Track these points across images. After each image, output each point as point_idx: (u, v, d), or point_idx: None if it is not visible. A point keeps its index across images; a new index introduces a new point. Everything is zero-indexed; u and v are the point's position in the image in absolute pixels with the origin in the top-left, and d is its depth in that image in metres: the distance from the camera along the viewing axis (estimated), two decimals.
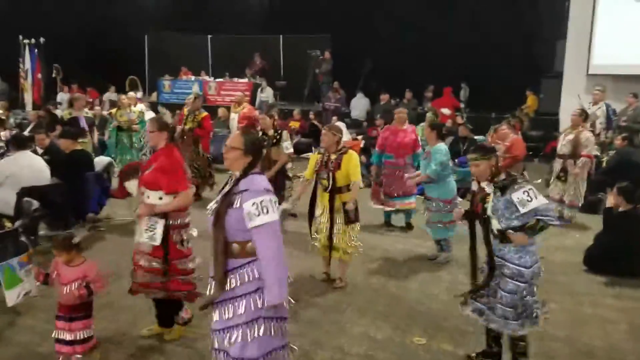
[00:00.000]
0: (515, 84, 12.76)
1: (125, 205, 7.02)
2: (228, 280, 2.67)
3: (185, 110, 7.78)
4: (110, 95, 15.34)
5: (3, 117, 9.95)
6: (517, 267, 3.41)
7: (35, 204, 5.07)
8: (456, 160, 8.99)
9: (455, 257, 5.73)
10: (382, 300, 4.81)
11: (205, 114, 7.85)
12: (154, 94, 16.29)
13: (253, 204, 2.57)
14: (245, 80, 15.58)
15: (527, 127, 11.78)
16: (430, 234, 5.85)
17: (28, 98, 16.14)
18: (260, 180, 2.70)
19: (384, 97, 12.62)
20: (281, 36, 17.22)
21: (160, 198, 3.60)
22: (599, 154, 8.47)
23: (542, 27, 13.90)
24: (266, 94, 14.73)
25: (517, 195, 3.35)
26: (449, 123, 11.42)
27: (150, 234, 3.57)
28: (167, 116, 4.03)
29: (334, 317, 4.43)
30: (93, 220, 6.04)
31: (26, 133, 7.74)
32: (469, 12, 13.98)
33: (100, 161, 6.58)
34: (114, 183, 6.66)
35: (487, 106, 12.63)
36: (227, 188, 2.75)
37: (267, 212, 2.58)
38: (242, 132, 2.88)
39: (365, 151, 9.75)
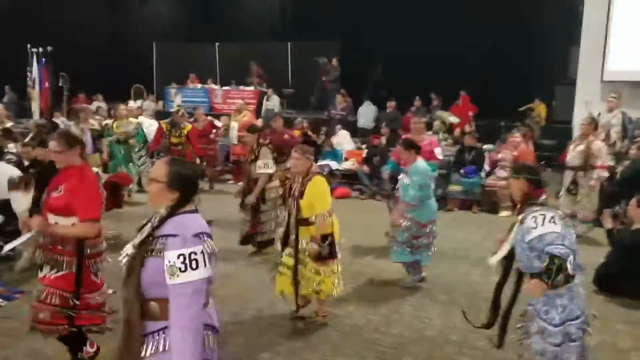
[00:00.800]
0: (527, 91, 12.36)
1: (115, 218, 6.79)
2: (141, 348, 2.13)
3: (164, 124, 7.42)
4: (98, 104, 15.09)
5: (11, 129, 9.54)
6: (543, 323, 2.81)
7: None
8: (462, 171, 8.64)
9: (452, 280, 5.37)
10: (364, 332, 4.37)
11: (189, 127, 7.56)
12: (161, 103, 16.15)
13: (179, 255, 2.04)
14: (252, 88, 15.40)
15: (539, 136, 11.37)
16: (392, 256, 5.28)
17: (36, 107, 16.11)
18: (193, 223, 2.15)
19: (390, 105, 12.30)
20: (289, 43, 17.05)
21: (73, 224, 3.19)
22: (613, 164, 8.04)
23: (555, 32, 13.45)
24: (273, 102, 14.54)
25: (527, 223, 2.80)
26: (457, 132, 11.06)
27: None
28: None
29: (307, 356, 3.96)
30: None
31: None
32: (479, 18, 13.61)
33: None
34: None
35: (497, 114, 12.22)
36: (146, 229, 2.22)
37: (196, 267, 2.06)
38: (169, 161, 2.30)
39: (367, 161, 9.43)
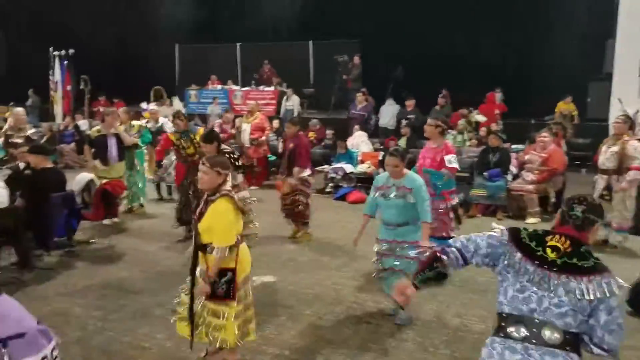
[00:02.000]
0: (558, 87, 11.63)
1: (110, 230, 6.53)
2: None
3: (171, 135, 6.40)
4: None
5: (32, 136, 8.40)
6: None
7: None
8: (485, 174, 8.05)
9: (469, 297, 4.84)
10: None
11: (201, 130, 6.65)
12: (181, 104, 15.94)
13: None
14: (272, 88, 15.09)
15: (571, 135, 10.67)
16: (384, 288, 4.43)
17: (58, 110, 16.16)
18: None
19: (410, 104, 11.75)
20: (311, 42, 16.67)
21: None
22: None
23: (589, 25, 12.66)
24: (292, 103, 14.19)
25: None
26: (482, 131, 10.46)
27: None
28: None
29: None
30: (64, 246, 5.51)
31: None
32: (507, 12, 12.92)
33: (81, 178, 6.07)
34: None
35: (527, 112, 11.53)
36: None
37: None
38: None
39: (382, 164, 8.89)
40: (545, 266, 2.20)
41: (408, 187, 4.25)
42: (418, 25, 13.61)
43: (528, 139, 9.12)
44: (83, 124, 12.54)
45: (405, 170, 4.33)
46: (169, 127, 9.20)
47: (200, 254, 3.37)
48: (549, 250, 2.25)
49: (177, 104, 6.59)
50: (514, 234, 2.38)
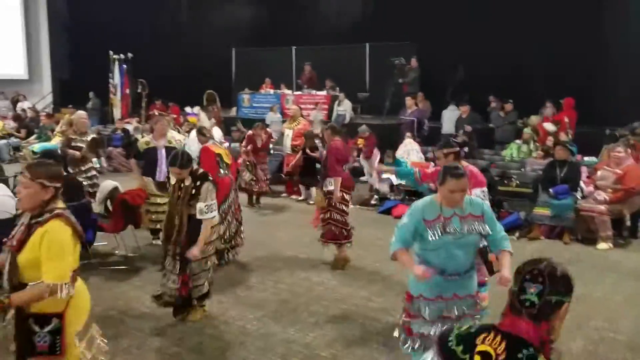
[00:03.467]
0: (636, 92, 10.37)
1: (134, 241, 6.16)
2: None
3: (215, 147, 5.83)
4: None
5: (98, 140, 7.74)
6: None
7: None
8: (551, 191, 7.10)
9: None
10: None
11: (202, 146, 6.04)
12: (234, 109, 15.79)
13: None
14: (324, 92, 14.58)
15: None
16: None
17: (117, 113, 16.42)
18: None
19: (464, 110, 10.85)
20: (367, 44, 16.05)
21: None
22: None
23: None
24: (344, 107, 13.63)
25: None
26: (549, 141, 9.42)
27: None
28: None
29: None
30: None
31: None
32: (575, 12, 11.69)
33: (105, 187, 5.76)
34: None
35: (602, 120, 10.34)
36: None
37: None
38: None
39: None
40: None
41: (477, 214, 3.02)
42: (480, 26, 12.66)
43: (604, 151, 8.07)
44: (133, 128, 12.52)
45: None
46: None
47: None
48: (477, 359, 1.60)
49: (203, 119, 6.04)
50: (442, 337, 1.76)
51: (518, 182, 7.72)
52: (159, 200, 5.91)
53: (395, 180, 8.46)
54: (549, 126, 10.27)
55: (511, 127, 11.27)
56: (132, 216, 5.46)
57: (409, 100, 11.74)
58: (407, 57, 13.82)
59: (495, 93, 11.79)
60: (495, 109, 11.59)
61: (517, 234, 7.12)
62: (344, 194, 5.65)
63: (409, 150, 9.45)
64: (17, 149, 12.51)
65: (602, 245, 6.61)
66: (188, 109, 12.02)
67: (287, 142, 9.00)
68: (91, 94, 17.05)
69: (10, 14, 17.96)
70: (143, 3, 17.47)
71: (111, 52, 16.01)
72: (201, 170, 4.36)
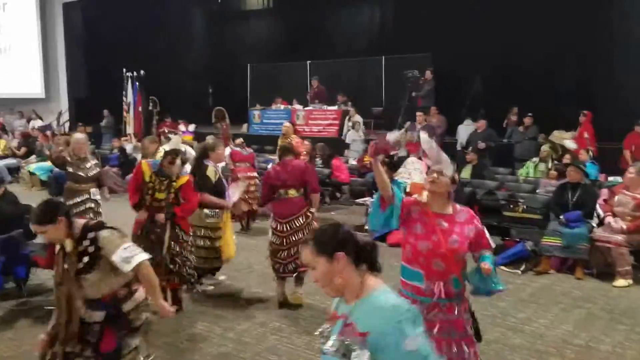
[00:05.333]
0: None
1: None
2: None
3: (146, 166, 4.89)
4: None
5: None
6: None
7: None
8: (562, 217, 6.27)
9: None
10: None
11: (186, 178, 4.90)
12: (245, 126, 15.37)
13: None
14: (335, 107, 14.00)
15: None
16: None
17: (130, 130, 16.25)
18: None
19: (480, 125, 10.07)
20: (383, 57, 15.44)
21: None
22: None
23: None
24: (354, 123, 12.98)
25: None
26: (566, 158, 8.51)
27: None
28: None
29: None
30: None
31: None
32: (602, 20, 10.77)
33: None
34: None
35: (620, 135, 9.38)
36: None
37: None
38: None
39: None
40: None
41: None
42: (499, 36, 11.87)
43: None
44: (131, 147, 12.19)
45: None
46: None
47: None
48: None
49: (176, 140, 5.44)
50: None
51: (525, 206, 6.87)
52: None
53: None
54: (570, 144, 9.37)
55: (531, 143, 10.40)
56: None
57: (419, 116, 11.00)
58: (422, 69, 13.13)
59: (514, 106, 10.96)
60: (513, 123, 10.75)
61: (522, 267, 6.29)
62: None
63: (411, 170, 8.69)
64: (16, 170, 12.33)
65: (619, 282, 5.72)
66: (182, 127, 11.58)
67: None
68: (105, 112, 16.98)
69: (27, 33, 18.18)
70: (157, 19, 17.38)
71: (124, 70, 15.88)
72: (86, 222, 2.99)
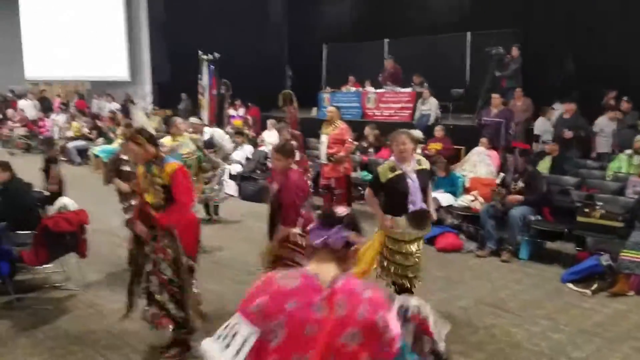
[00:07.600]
0: None
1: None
2: None
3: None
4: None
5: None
6: None
7: None
8: None
9: None
10: None
11: (174, 166, 3.75)
12: (314, 109, 14.72)
13: None
14: (409, 89, 12.90)
15: None
16: None
17: (205, 114, 16.24)
18: None
19: (570, 108, 8.59)
20: (468, 33, 14.03)
21: None
22: None
23: None
24: (428, 106, 11.88)
25: None
26: None
27: None
28: None
29: None
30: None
31: None
32: None
33: (57, 205, 4.99)
34: None
35: None
36: None
37: None
38: None
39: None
40: None
41: None
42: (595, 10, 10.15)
43: None
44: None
45: None
46: (225, 140, 7.98)
47: None
48: None
49: (141, 117, 4.76)
50: None
51: (603, 211, 5.56)
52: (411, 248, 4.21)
53: (444, 200, 6.69)
54: None
55: (630, 131, 8.73)
56: (65, 245, 4.59)
57: (496, 99, 9.65)
58: (509, 46, 11.64)
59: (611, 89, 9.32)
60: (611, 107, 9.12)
61: (594, 286, 5.09)
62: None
63: (476, 162, 7.56)
64: (85, 151, 12.65)
65: None
66: (231, 111, 11.15)
67: (323, 149, 7.64)
68: (183, 95, 17.16)
69: (113, 17, 18.78)
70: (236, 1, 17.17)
71: (200, 52, 15.83)
72: None
